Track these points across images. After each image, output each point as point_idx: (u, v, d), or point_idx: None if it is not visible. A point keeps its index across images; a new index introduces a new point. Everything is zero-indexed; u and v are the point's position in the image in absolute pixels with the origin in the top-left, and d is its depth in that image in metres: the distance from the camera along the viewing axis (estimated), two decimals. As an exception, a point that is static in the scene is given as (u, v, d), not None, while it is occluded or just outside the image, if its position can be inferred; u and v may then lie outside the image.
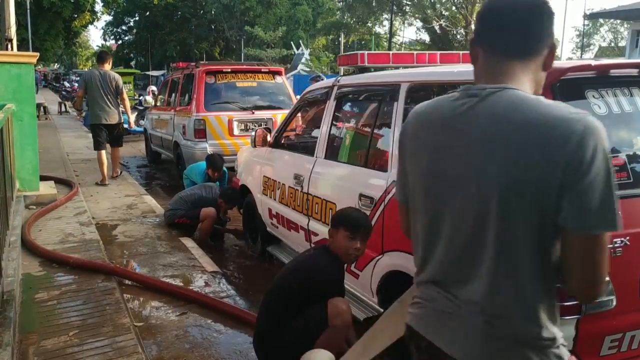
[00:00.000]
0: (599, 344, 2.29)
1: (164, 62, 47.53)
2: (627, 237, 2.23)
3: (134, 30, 56.00)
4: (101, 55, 8.56)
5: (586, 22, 47.10)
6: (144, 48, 53.52)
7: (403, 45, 39.96)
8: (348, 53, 4.00)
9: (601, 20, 51.81)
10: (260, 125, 8.00)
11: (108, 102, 7.99)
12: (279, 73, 9.31)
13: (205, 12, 46.94)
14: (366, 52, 3.89)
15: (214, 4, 42.50)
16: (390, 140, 3.20)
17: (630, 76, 2.57)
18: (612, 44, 55.04)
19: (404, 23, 38.76)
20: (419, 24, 33.30)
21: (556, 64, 2.77)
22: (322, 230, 3.77)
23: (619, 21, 47.95)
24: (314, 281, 2.92)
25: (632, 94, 2.51)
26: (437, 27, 29.59)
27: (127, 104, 8.62)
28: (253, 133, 5.13)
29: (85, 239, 5.18)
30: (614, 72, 2.55)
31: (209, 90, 8.47)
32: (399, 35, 42.17)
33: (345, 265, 3.17)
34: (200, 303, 3.92)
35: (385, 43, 37.06)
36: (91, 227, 5.56)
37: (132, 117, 10.66)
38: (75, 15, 26.57)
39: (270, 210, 4.80)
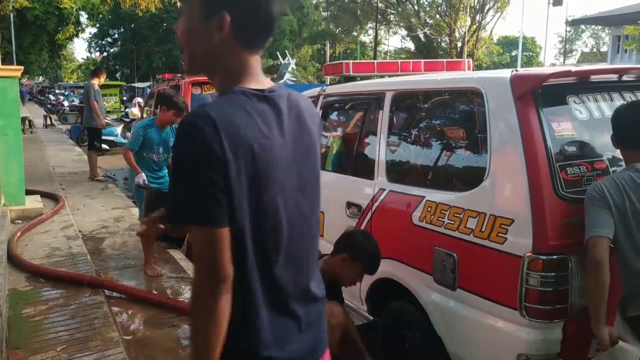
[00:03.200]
0: (586, 347, 2.32)
1: (150, 73, 47.35)
2: (611, 240, 2.26)
3: (119, 42, 55.82)
4: (93, 70, 10.02)
5: (568, 28, 47.75)
6: (129, 60, 53.31)
7: (388, 53, 40.21)
8: (333, 62, 4.03)
9: (583, 27, 52.54)
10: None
11: (86, 109, 9.39)
12: (265, 83, 9.32)
13: (190, 24, 46.94)
14: (351, 61, 3.92)
15: (199, 15, 42.55)
16: (376, 148, 3.22)
17: (610, 81, 2.63)
18: (594, 50, 55.82)
19: (388, 32, 39.04)
20: (404, 32, 33.52)
21: (537, 70, 2.83)
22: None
23: (600, 27, 48.65)
24: None
25: (612, 98, 2.56)
26: (421, 35, 29.81)
27: (94, 108, 9.26)
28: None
29: (73, 252, 5.14)
30: (594, 77, 2.60)
31: (195, 101, 8.44)
32: (384, 44, 42.49)
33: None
34: (190, 315, 3.90)
35: (370, 52, 37.29)
36: (78, 241, 5.51)
37: (104, 121, 10.56)
38: (60, 28, 26.41)
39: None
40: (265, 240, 1.21)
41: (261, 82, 1.25)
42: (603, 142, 2.53)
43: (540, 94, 2.37)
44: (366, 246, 2.91)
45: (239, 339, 1.20)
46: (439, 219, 2.61)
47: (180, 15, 1.28)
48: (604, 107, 2.52)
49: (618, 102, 2.57)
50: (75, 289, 4.25)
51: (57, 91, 38.54)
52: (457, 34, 28.47)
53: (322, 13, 42.19)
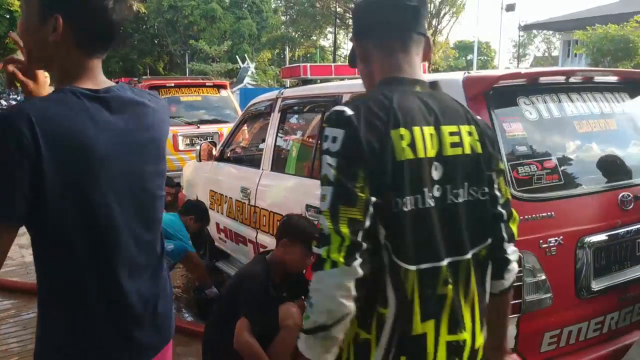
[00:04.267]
0: (539, 341, 2.38)
1: (107, 78, 46.38)
2: (561, 237, 2.33)
3: (74, 46, 54.53)
4: None
5: (521, 33, 49.13)
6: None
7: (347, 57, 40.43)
8: (291, 65, 4.04)
9: (535, 32, 54.12)
10: (206, 139, 7.94)
11: None
12: (223, 87, 9.29)
13: (148, 27, 46.18)
14: (308, 64, 3.94)
15: (156, 19, 41.88)
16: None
17: (558, 83, 2.71)
18: (546, 54, 57.55)
19: (347, 36, 39.32)
20: (363, 36, 33.84)
21: (489, 72, 2.90)
22: (270, 243, 3.77)
23: (551, 32, 50.22)
24: (241, 284, 3.00)
25: (561, 100, 2.64)
26: (380, 40, 30.14)
27: None
28: (198, 147, 5.09)
29: (25, 261, 4.99)
30: (543, 79, 2.68)
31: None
32: (344, 48, 42.73)
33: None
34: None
35: (330, 56, 37.47)
36: (31, 249, 5.34)
37: None
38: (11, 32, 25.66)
39: (217, 224, 4.75)
40: (100, 239, 1.25)
41: (99, 83, 1.30)
42: (552, 142, 2.61)
43: (492, 96, 2.43)
44: (300, 225, 3.03)
45: (80, 338, 1.26)
46: (396, 219, 2.63)
47: (22, 13, 1.32)
48: (553, 108, 2.60)
49: (566, 102, 2.66)
50: (27, 298, 4.13)
51: (10, 96, 37.28)
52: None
53: (282, 17, 42.17)
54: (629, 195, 2.54)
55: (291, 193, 3.68)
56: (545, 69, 3.00)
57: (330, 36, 37.10)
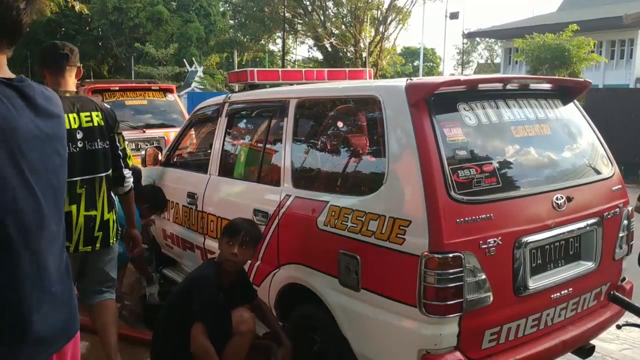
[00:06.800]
0: (480, 338, 2.47)
1: (47, 80, 44.71)
2: (499, 237, 2.43)
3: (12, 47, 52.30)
4: None
5: (465, 40, 50.43)
6: (23, 65, 50.20)
7: (297, 62, 40.53)
8: (238, 70, 4.03)
9: (478, 39, 55.68)
10: (152, 144, 7.80)
11: None
12: (170, 90, 9.15)
13: (91, 29, 44.86)
14: (255, 69, 3.94)
15: (100, 21, 40.74)
16: (282, 155, 3.26)
17: (496, 89, 2.82)
18: (489, 61, 59.26)
19: (296, 41, 39.42)
20: (312, 42, 33.96)
21: (430, 79, 2.98)
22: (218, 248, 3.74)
23: (493, 40, 51.85)
24: (194, 289, 3.01)
25: (498, 105, 2.75)
26: (328, 45, 30.34)
27: None
28: (143, 152, 4.99)
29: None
30: (482, 86, 2.78)
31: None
32: (293, 53, 42.79)
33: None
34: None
35: (279, 61, 37.44)
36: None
37: None
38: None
39: (164, 231, 4.68)
40: (11, 211, 1.29)
41: (6, 75, 1.37)
42: (491, 146, 2.71)
43: (433, 102, 2.50)
44: (233, 221, 3.17)
45: None
46: (343, 222, 2.67)
47: None
48: (491, 114, 2.70)
49: (503, 108, 2.77)
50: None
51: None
52: (362, 45, 29.25)
53: (230, 21, 41.80)
54: (562, 197, 2.67)
55: (239, 198, 3.67)
56: (484, 76, 3.11)
57: (279, 41, 37.08)
